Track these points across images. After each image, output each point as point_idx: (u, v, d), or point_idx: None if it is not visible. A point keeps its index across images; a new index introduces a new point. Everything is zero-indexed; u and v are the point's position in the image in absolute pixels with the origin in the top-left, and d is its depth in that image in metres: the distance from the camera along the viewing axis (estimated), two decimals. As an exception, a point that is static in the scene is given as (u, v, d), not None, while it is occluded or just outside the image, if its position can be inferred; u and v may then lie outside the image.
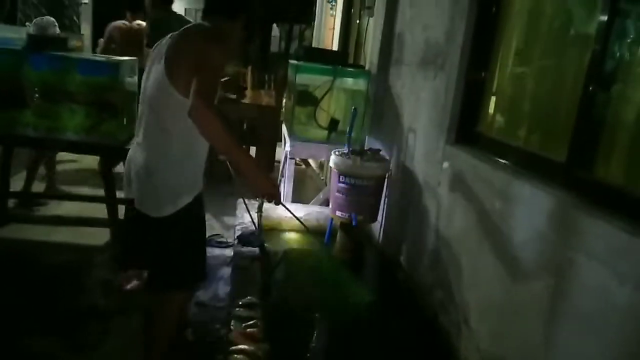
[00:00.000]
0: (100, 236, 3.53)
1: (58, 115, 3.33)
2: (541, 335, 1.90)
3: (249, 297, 2.53)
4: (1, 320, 2.60)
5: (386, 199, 3.55)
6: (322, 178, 5.60)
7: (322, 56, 4.27)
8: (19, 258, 3.21)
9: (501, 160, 2.39)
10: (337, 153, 3.30)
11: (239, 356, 2.06)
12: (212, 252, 3.66)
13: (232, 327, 2.28)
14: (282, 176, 4.42)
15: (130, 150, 2.04)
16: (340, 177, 3.22)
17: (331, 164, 3.30)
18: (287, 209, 2.51)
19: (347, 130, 3.46)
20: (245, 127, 5.59)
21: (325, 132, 4.03)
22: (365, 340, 2.90)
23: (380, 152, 3.43)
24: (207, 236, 3.71)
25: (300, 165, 6.24)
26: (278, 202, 2.10)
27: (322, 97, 4.09)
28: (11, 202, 3.92)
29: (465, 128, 2.75)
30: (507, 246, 2.15)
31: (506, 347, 2.11)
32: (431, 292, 2.86)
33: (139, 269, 2.27)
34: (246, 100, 5.75)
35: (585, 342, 1.68)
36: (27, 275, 3.04)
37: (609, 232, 1.61)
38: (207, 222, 4.08)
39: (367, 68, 4.26)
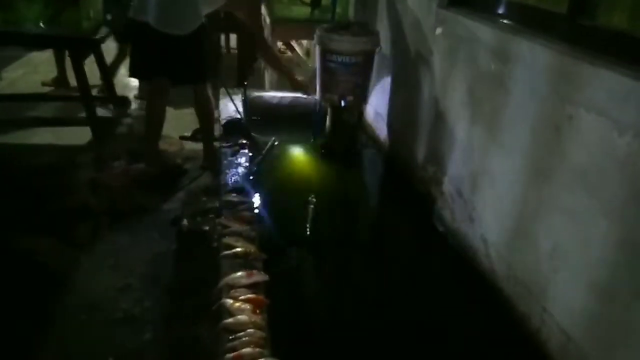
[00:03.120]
0: (80, 136, 3.40)
1: (13, 5, 3.03)
2: (533, 197, 1.89)
3: (239, 182, 2.49)
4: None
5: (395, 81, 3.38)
6: (309, 65, 5.35)
7: None
8: (-1, 162, 3.11)
9: (498, 19, 2.21)
10: (322, 29, 3.07)
11: (232, 237, 2.06)
12: (198, 145, 3.56)
13: (224, 211, 2.27)
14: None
15: None
16: (327, 55, 3.03)
17: (315, 41, 3.09)
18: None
19: (331, 3, 3.20)
20: (222, 13, 5.19)
21: (308, 9, 3.74)
22: (359, 219, 2.93)
23: (368, 26, 3.20)
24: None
25: (285, 52, 5.93)
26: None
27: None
28: None
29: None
30: (503, 110, 2.06)
31: (499, 211, 2.11)
32: (425, 167, 2.83)
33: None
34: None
35: (577, 198, 1.66)
36: (10, 179, 2.96)
37: (611, 79, 1.50)
38: (189, 117, 3.96)
39: None
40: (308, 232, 2.52)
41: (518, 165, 1.97)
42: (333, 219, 2.79)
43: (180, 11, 2.60)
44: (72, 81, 3.58)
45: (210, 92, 3.00)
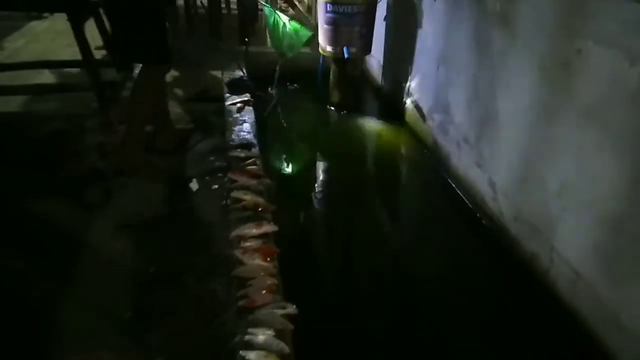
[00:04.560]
0: (86, 101, 3.39)
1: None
2: (541, 137, 1.86)
3: (245, 138, 2.48)
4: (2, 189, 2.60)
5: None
6: (311, 21, 5.23)
7: None
8: (3, 130, 3.11)
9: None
10: (321, -23, 2.98)
11: (241, 191, 2.07)
12: (204, 105, 3.54)
13: (231, 166, 2.27)
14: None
15: None
16: (328, 5, 2.95)
17: (316, -9, 3.01)
18: None
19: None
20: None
21: (307, -39, 3.63)
22: (365, 170, 2.93)
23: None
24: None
25: (287, 9, 5.80)
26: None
27: None
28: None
29: None
30: (510, 51, 2.01)
31: (507, 155, 2.09)
32: (430, 117, 2.79)
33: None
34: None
35: (585, 135, 1.64)
36: (19, 146, 2.97)
37: (623, 7, 1.45)
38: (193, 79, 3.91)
39: None
40: (316, 187, 2.53)
41: (525, 107, 1.93)
42: (341, 171, 2.78)
43: None
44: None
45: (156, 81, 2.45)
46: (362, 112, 3.40)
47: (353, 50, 3.04)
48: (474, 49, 2.26)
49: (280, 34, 2.97)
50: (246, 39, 3.63)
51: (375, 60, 3.59)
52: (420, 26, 2.77)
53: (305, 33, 2.97)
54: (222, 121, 3.11)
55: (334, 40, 3.04)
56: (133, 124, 2.49)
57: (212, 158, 2.95)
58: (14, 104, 3.38)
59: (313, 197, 2.54)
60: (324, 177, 2.69)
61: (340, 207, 2.50)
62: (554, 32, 1.74)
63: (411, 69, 2.97)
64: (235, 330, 1.44)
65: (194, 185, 2.72)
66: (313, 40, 3.20)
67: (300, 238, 2.21)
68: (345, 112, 3.32)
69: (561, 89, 1.73)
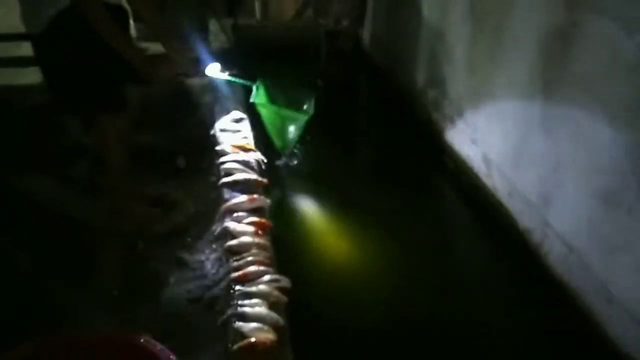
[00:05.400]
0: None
1: None
2: (537, 112, 1.85)
3: (236, 112, 2.44)
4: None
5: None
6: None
7: None
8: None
9: None
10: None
11: (232, 164, 2.03)
12: (192, 81, 3.45)
13: (221, 140, 2.22)
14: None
15: None
16: (319, -24, 2.89)
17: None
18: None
19: None
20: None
21: None
22: (361, 148, 2.90)
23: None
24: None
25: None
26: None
27: None
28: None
29: None
30: (506, 25, 1.98)
31: (502, 131, 2.08)
32: (424, 92, 2.76)
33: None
34: None
35: (582, 108, 1.63)
36: (2, 120, 2.88)
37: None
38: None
39: None
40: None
41: (521, 81, 1.92)
42: (335, 149, 2.74)
43: None
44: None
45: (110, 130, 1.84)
46: (355, 86, 3.34)
47: (345, 23, 2.98)
48: (470, 21, 2.23)
49: (283, 129, 2.46)
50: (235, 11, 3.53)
51: (368, 33, 3.52)
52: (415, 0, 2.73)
53: (306, 114, 2.40)
54: (210, 96, 3.04)
55: (325, 12, 2.98)
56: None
57: (199, 134, 2.89)
58: (-6, 76, 3.27)
59: (304, 171, 2.51)
60: (315, 151, 2.65)
61: (334, 182, 2.47)
62: (552, 3, 1.71)
63: (406, 42, 2.93)
64: (229, 302, 1.42)
65: (181, 162, 2.67)
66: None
67: (293, 214, 2.19)
68: (337, 87, 3.25)
69: (558, 61, 1.71)
